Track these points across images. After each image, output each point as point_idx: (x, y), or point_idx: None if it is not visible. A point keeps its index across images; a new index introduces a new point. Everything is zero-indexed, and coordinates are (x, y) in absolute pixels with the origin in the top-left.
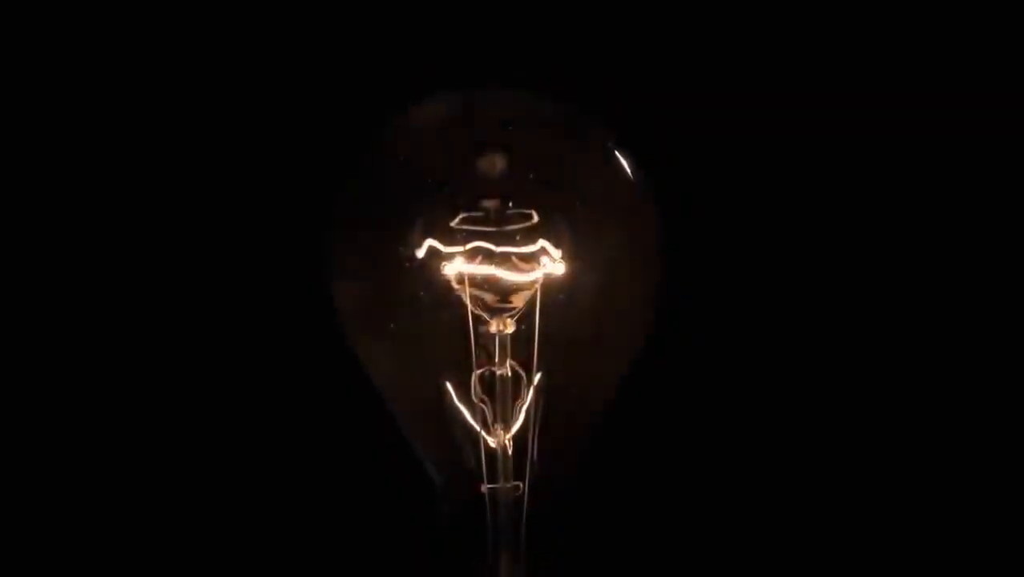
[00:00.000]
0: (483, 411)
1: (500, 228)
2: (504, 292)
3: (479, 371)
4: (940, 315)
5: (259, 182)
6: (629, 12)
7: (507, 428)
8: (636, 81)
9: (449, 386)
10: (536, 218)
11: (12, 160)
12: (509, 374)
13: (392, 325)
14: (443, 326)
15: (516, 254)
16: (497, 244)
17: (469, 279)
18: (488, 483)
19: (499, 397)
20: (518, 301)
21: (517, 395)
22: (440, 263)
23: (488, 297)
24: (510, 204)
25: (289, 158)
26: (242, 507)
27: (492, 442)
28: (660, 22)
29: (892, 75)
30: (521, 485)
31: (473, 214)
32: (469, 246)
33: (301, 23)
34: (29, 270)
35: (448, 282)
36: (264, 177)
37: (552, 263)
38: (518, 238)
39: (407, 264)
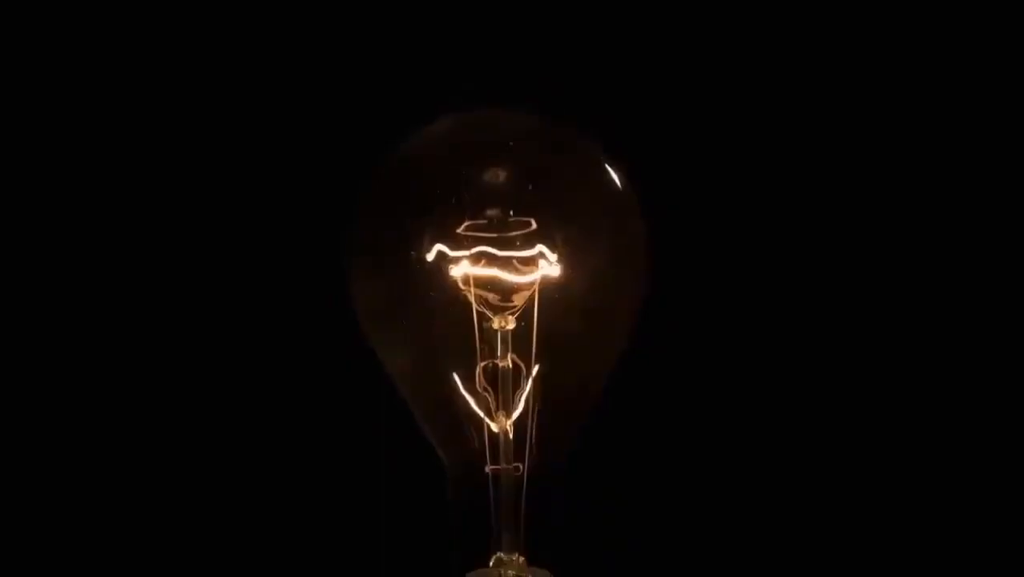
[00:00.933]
0: (486, 399)
1: (502, 234)
2: (505, 292)
3: (483, 363)
4: (929, 316)
5: (288, 195)
6: (620, 25)
7: (508, 415)
8: (624, 97)
9: (456, 377)
10: (534, 225)
11: (60, 162)
12: (510, 366)
13: (404, 322)
14: (450, 323)
15: (516, 258)
16: (499, 248)
17: (474, 280)
18: (491, 464)
19: (501, 387)
20: (518, 300)
21: (517, 385)
22: (448, 266)
23: (491, 296)
24: (511, 213)
25: (314, 173)
26: (271, 491)
27: (495, 427)
28: (649, 34)
29: (878, 82)
30: (521, 466)
31: (478, 222)
32: (474, 250)
33: (321, 43)
34: (56, 268)
35: (455, 283)
36: (292, 190)
37: (549, 266)
38: (518, 243)
39: (418, 267)
